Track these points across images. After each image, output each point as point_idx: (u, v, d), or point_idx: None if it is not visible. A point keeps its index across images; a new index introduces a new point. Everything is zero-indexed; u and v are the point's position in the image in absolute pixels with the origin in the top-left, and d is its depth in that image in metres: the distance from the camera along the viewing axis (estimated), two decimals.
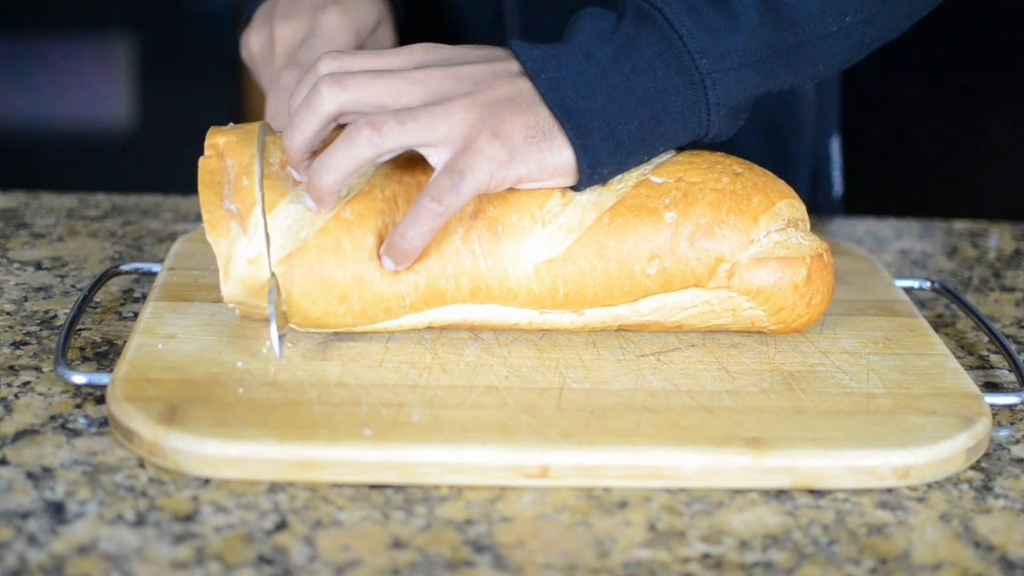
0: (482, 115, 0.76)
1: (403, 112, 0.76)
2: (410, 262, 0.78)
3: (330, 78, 0.77)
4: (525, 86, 0.78)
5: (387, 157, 0.77)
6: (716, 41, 0.79)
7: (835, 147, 1.28)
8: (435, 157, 0.77)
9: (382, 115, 0.76)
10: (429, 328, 0.83)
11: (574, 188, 0.80)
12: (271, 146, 0.82)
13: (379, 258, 0.79)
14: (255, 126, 0.83)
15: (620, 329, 0.84)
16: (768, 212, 0.82)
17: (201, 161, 0.81)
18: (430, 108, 0.76)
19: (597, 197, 0.81)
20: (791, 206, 0.83)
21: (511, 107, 0.77)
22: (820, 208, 1.26)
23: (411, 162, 0.81)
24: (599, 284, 0.80)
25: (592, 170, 0.79)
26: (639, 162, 0.81)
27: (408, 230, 0.76)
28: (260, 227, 0.79)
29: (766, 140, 1.18)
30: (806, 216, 0.85)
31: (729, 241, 0.81)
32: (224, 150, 0.81)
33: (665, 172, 0.82)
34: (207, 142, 0.82)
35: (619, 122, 0.78)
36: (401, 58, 0.80)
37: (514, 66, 0.79)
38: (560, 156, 0.78)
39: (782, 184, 0.84)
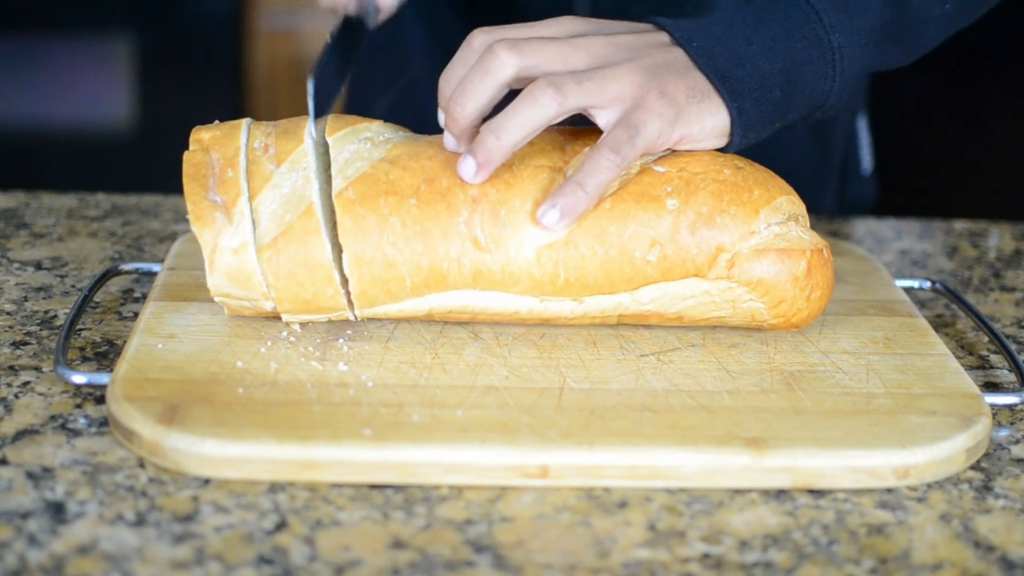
0: (647, 77, 0.79)
1: (579, 73, 0.79)
2: (577, 216, 0.79)
3: (507, 43, 0.79)
4: (679, 54, 0.82)
5: (561, 118, 0.79)
6: (848, 19, 0.83)
7: (863, 125, 1.32)
8: (603, 117, 0.79)
9: (561, 76, 0.78)
10: (429, 324, 0.83)
11: (723, 149, 0.83)
12: (254, 131, 0.83)
13: (535, 218, 0.79)
14: (240, 122, 0.84)
15: (620, 320, 0.84)
16: (769, 205, 0.82)
17: (186, 155, 0.82)
18: (600, 70, 0.79)
19: None
20: (791, 202, 0.84)
21: (671, 71, 0.80)
22: (851, 185, 1.28)
23: (415, 156, 0.81)
24: (600, 270, 0.81)
25: (744, 132, 0.82)
26: (774, 129, 0.84)
27: (587, 179, 0.78)
28: (246, 216, 0.79)
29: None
30: (806, 213, 0.85)
31: (730, 231, 0.81)
32: (209, 144, 0.82)
33: (667, 162, 0.82)
34: (192, 138, 0.83)
35: (765, 88, 0.82)
36: (554, 28, 0.82)
37: (663, 37, 0.83)
38: (717, 117, 0.81)
39: (782, 181, 0.85)
